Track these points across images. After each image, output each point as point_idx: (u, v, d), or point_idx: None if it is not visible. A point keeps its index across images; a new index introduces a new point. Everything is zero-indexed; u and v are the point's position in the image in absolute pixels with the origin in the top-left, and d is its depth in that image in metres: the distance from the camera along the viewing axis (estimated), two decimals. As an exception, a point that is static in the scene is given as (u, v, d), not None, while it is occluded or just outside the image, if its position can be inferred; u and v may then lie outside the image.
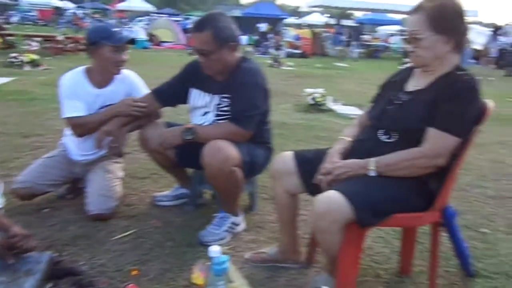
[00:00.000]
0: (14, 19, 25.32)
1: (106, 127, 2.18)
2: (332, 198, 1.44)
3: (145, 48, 15.13)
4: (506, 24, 16.07)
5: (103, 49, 2.25)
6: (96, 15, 24.01)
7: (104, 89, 2.37)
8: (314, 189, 1.64)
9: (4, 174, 2.61)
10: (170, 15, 26.11)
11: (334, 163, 1.62)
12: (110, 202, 2.27)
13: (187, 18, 24.70)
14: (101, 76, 2.35)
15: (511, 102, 8.00)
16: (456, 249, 1.88)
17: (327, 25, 22.85)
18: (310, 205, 2.56)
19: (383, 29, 25.45)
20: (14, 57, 8.23)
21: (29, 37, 11.44)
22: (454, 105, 1.48)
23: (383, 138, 1.62)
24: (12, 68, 7.94)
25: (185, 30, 17.96)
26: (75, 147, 2.42)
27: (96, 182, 2.31)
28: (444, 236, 1.78)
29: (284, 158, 1.80)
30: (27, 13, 28.60)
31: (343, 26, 17.08)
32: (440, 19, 1.51)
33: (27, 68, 8.06)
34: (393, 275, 1.94)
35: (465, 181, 3.22)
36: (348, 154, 1.68)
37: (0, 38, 11.33)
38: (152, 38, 16.88)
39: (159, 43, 16.85)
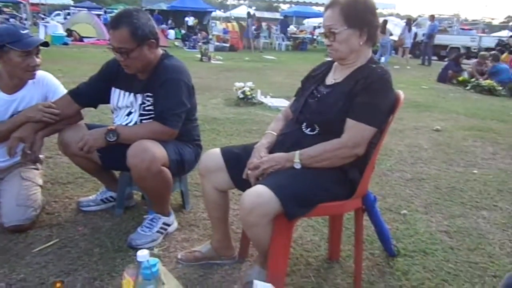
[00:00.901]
0: None
1: (18, 133, 2.02)
2: (258, 192, 1.46)
3: (65, 44, 14.28)
4: (419, 16, 17.31)
5: (11, 53, 2.07)
6: (7, 9, 22.14)
7: (16, 94, 2.20)
8: (243, 185, 1.65)
9: None
10: (91, 8, 24.78)
11: (261, 157, 1.64)
12: (29, 211, 2.11)
13: (110, 12, 23.63)
14: (11, 81, 2.18)
15: (426, 89, 8.66)
16: (378, 232, 2.00)
17: (255, 19, 23.06)
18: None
19: (310, 22, 26.23)
20: None
21: None
22: (369, 97, 1.56)
23: (307, 131, 1.67)
24: None
25: (107, 25, 17.19)
26: None
27: (11, 191, 2.14)
28: (367, 221, 1.88)
29: (211, 155, 1.79)
30: None
31: (253, 18, 17.19)
32: (353, 14, 1.58)
33: None
34: (323, 261, 2.02)
35: (386, 166, 3.44)
36: (274, 148, 1.71)
37: None
38: (71, 33, 15.93)
39: (80, 38, 15.95)
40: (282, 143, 1.71)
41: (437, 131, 4.82)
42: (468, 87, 8.89)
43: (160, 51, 2.09)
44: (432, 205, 2.73)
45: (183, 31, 17.74)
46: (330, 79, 1.73)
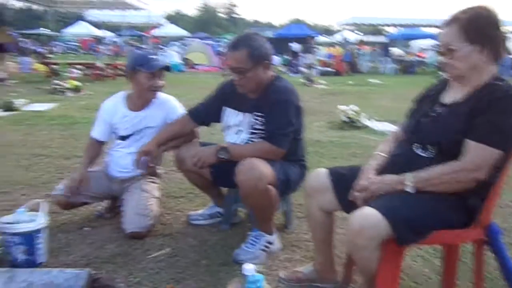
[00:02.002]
0: (58, 49, 26.77)
1: (144, 147, 2.25)
2: (368, 214, 1.41)
3: (180, 71, 15.55)
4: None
5: (139, 75, 2.37)
6: (133, 42, 24.97)
7: (140, 112, 2.47)
8: (349, 206, 1.61)
9: (47, 194, 2.71)
10: (203, 38, 26.77)
11: (369, 179, 1.59)
12: (146, 220, 2.31)
13: (219, 41, 25.25)
14: (139, 100, 2.47)
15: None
16: (503, 269, 1.78)
17: (360, 43, 22.76)
18: (346, 223, 2.53)
19: (416, 44, 25.09)
20: (57, 84, 8.65)
21: (71, 65, 12.01)
22: (493, 116, 1.43)
23: (419, 152, 1.57)
24: (55, 94, 8.34)
25: (218, 53, 18.34)
26: (114, 164, 2.52)
27: (132, 201, 2.36)
28: (488, 255, 1.69)
29: (318, 175, 1.78)
30: (69, 43, 30.16)
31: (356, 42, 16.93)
32: (474, 29, 1.48)
33: (69, 94, 8.44)
34: (435, 296, 1.85)
35: (510, 197, 3.07)
36: (383, 169, 1.64)
37: (45, 67, 11.99)
38: (186, 61, 17.34)
39: (193, 66, 17.28)
40: (392, 165, 1.63)
41: None
42: None
43: (272, 72, 2.18)
44: None
45: (286, 57, 18.18)
46: (447, 98, 1.62)
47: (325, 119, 6.28)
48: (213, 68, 16.89)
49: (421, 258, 2.16)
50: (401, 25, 23.02)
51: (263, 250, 2.13)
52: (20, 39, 17.56)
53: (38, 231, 1.95)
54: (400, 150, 1.67)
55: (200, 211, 2.60)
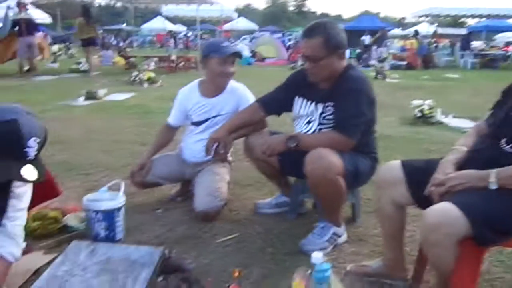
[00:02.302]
0: (136, 43, 28.32)
1: (214, 134, 2.31)
2: (445, 210, 1.33)
3: (249, 64, 15.75)
4: None
5: (211, 61, 2.46)
6: (206, 36, 25.72)
7: (213, 99, 2.55)
8: (423, 202, 1.53)
9: (124, 177, 2.89)
10: (272, 32, 26.85)
11: (447, 174, 1.50)
12: (216, 201, 2.40)
13: (289, 35, 25.17)
14: (211, 87, 2.55)
15: None
16: None
17: (435, 35, 21.50)
18: (417, 221, 2.42)
19: (502, 37, 23.17)
20: (135, 76, 9.17)
21: (147, 58, 12.67)
22: None
23: (507, 147, 1.46)
24: (133, 85, 8.85)
25: (286, 46, 18.31)
26: (188, 149, 2.64)
27: (204, 182, 2.46)
28: None
29: (391, 167, 1.72)
30: (146, 37, 31.81)
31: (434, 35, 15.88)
32: None
33: (145, 85, 8.91)
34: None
35: None
36: (463, 164, 1.55)
37: (124, 60, 12.76)
38: (255, 54, 17.51)
39: (262, 59, 17.42)
40: (474, 160, 1.53)
41: None
42: None
43: (345, 62, 2.13)
44: None
45: (357, 50, 17.70)
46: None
47: (396, 114, 6.03)
48: (282, 61, 16.88)
49: (501, 264, 2.00)
50: (484, 16, 21.35)
51: (330, 241, 2.10)
52: (103, 34, 18.80)
53: (118, 209, 2.09)
54: (483, 145, 1.56)
55: (267, 200, 2.62)
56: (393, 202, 1.72)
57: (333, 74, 2.10)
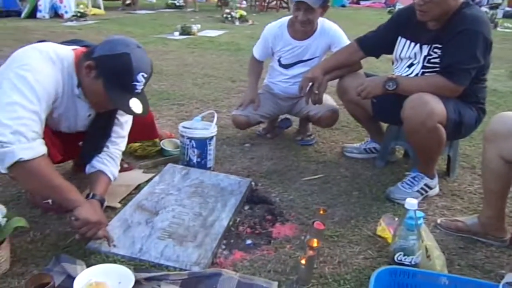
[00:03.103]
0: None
1: (309, 73, 2.24)
2: None
3: (343, 6, 14.93)
4: None
5: (293, 5, 2.37)
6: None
7: (302, 42, 2.46)
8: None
9: (216, 110, 2.98)
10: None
11: None
12: (335, 106, 2.54)
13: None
14: (299, 30, 2.43)
15: None
16: None
17: None
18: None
19: None
20: (228, 13, 9.18)
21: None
22: None
23: None
24: (225, 23, 8.90)
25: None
26: (278, 86, 2.63)
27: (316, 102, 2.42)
28: None
29: (505, 118, 1.55)
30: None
31: None
32: None
33: (236, 23, 8.91)
34: None
35: None
36: None
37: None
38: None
39: (357, 1, 16.38)
40: None
41: None
42: None
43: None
44: None
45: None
46: None
47: (506, 67, 5.42)
48: (378, 4, 15.75)
49: None
50: None
51: (421, 192, 2.01)
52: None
53: (210, 138, 2.17)
54: None
55: (355, 144, 2.55)
56: (502, 156, 1.56)
57: (446, 13, 1.88)
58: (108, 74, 1.48)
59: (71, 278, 1.31)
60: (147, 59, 1.55)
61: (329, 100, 2.57)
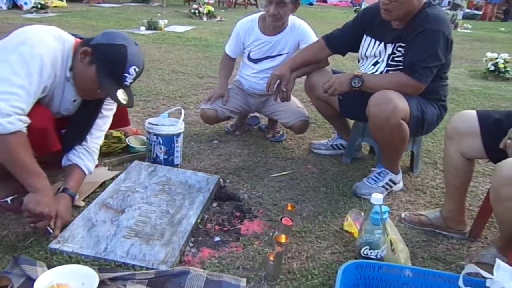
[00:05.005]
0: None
1: (277, 71, 2.24)
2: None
3: (311, 4, 15.09)
4: None
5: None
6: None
7: (272, 37, 2.47)
8: (498, 155, 1.44)
9: (183, 106, 2.94)
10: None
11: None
12: (306, 114, 2.53)
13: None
14: (269, 25, 2.44)
15: None
16: None
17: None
18: (479, 176, 2.31)
19: None
20: (195, 9, 9.08)
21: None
22: None
23: None
24: (192, 18, 8.80)
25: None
26: (247, 85, 2.62)
27: (282, 105, 2.46)
28: None
29: (465, 117, 1.61)
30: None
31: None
32: None
33: (204, 18, 8.83)
34: None
35: None
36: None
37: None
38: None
39: (324, -1, 16.61)
40: None
41: None
42: None
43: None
44: None
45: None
46: None
47: (466, 66, 5.66)
48: (345, 3, 16.02)
49: None
50: None
51: (386, 187, 2.06)
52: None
53: (178, 135, 2.14)
54: None
55: (323, 141, 2.58)
56: (462, 153, 1.62)
57: (409, 12, 1.93)
58: (102, 61, 1.54)
59: (31, 280, 1.26)
60: (141, 56, 1.64)
61: (296, 102, 2.58)
